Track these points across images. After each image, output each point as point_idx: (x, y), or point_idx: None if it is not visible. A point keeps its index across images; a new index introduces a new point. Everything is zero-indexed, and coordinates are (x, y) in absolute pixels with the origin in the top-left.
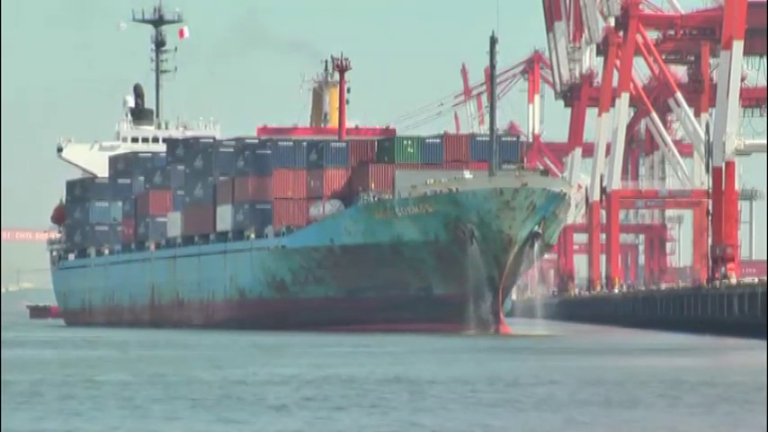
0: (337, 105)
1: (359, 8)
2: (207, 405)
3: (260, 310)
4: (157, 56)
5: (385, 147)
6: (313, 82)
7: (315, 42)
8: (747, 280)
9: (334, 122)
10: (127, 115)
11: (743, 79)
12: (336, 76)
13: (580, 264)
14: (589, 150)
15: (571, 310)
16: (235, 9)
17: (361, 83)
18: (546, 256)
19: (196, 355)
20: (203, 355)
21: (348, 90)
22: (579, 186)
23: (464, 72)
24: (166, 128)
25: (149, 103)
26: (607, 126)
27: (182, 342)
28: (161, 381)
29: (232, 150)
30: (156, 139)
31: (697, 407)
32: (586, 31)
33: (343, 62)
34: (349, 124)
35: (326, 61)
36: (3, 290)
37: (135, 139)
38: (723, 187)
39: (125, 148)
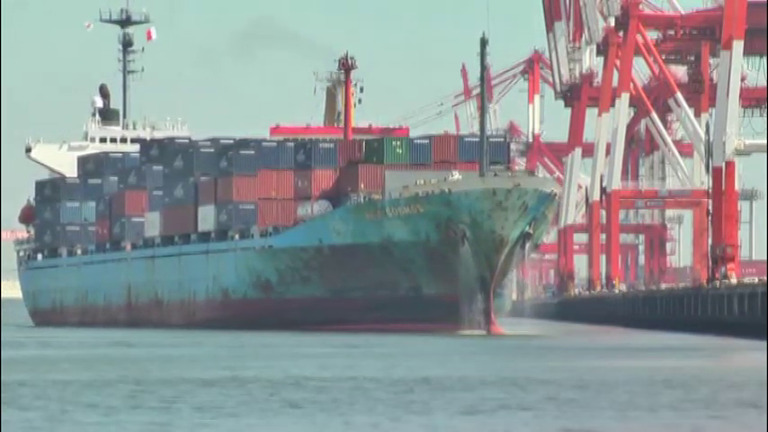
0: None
1: (361, 8)
2: None
3: (244, 310)
4: (125, 56)
5: (374, 147)
6: (326, 81)
7: (317, 43)
8: (747, 280)
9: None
10: (95, 115)
11: (743, 79)
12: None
13: (580, 264)
14: (589, 150)
15: (571, 310)
16: (235, 10)
17: (372, 82)
18: (546, 256)
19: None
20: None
21: (361, 89)
22: (579, 186)
23: (464, 72)
24: (134, 128)
25: (116, 103)
26: (607, 126)
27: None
28: None
29: (213, 151)
30: (123, 140)
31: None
32: (586, 31)
33: (350, 61)
34: (362, 123)
35: (339, 60)
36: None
37: (103, 140)
38: (723, 187)
39: (93, 148)
